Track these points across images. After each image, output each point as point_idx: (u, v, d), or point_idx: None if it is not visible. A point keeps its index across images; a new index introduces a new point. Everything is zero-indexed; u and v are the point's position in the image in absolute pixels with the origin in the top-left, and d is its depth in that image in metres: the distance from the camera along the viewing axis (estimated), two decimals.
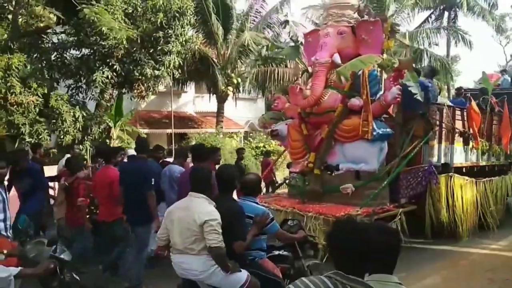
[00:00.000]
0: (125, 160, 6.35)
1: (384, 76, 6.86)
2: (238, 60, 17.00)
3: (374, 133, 6.12)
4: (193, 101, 21.07)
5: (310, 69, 7.68)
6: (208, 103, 19.24)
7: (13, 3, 11.87)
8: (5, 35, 11.15)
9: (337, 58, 6.43)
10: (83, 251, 5.53)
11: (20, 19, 11.73)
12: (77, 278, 4.02)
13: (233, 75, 16.97)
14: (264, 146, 15.45)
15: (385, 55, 6.55)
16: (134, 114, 14.64)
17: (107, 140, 12.92)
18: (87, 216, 5.99)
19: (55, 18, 11.75)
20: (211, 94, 18.27)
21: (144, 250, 5.17)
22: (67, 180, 5.76)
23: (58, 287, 3.41)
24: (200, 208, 3.20)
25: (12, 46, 11.08)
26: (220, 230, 3.13)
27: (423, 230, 6.76)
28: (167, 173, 5.56)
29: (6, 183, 4.63)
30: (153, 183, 5.06)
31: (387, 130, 6.35)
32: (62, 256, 3.35)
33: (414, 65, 7.55)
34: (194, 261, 3.21)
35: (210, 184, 3.40)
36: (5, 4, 12.09)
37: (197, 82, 18.36)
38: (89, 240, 5.77)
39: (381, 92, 6.52)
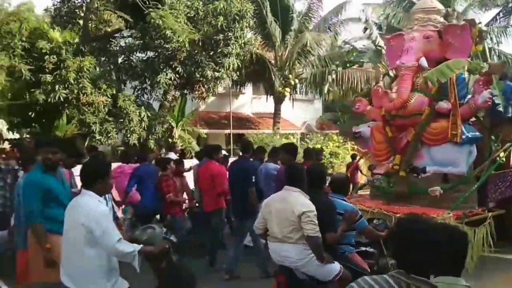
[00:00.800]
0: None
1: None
2: (296, 61, 17.60)
3: (463, 136, 6.44)
4: (251, 102, 21.87)
5: (391, 73, 8.17)
6: (265, 104, 19.96)
7: (84, 9, 13.10)
8: (77, 39, 12.29)
9: (423, 62, 6.81)
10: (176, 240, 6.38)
11: (90, 24, 12.84)
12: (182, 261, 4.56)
13: (290, 76, 17.58)
14: (321, 148, 15.88)
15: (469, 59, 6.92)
16: (195, 115, 15.57)
17: (170, 140, 13.89)
18: (186, 210, 6.83)
19: (123, 23, 12.84)
20: (268, 95, 19.00)
21: (243, 241, 5.90)
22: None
23: (166, 268, 3.70)
24: (298, 200, 3.60)
25: (83, 50, 12.21)
26: (316, 221, 3.48)
27: (509, 236, 7.03)
28: (263, 171, 6.22)
29: None
30: (253, 180, 5.85)
31: (476, 134, 6.65)
32: (171, 238, 3.65)
33: None
34: (291, 249, 3.60)
35: (304, 179, 3.77)
36: (76, 10, 13.34)
37: (255, 84, 19.13)
38: (182, 229, 6.56)
39: (469, 96, 6.87)
